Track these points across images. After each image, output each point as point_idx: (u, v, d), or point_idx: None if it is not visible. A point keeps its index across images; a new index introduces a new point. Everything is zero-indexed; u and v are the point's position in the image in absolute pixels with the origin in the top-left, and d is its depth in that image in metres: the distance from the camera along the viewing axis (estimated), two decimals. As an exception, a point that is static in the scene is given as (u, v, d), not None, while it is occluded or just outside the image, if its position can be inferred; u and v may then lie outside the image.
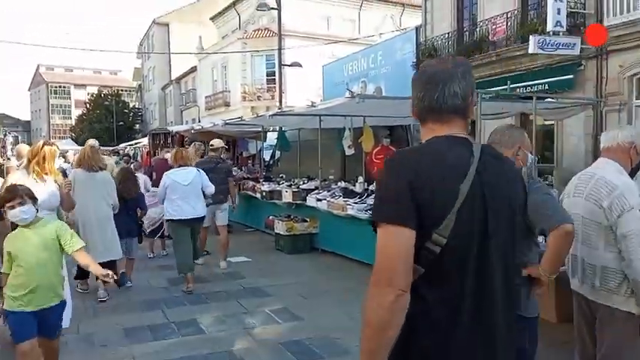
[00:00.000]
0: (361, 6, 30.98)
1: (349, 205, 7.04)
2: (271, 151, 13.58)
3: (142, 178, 9.66)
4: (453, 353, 1.42)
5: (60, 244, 3.22)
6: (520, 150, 2.51)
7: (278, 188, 9.06)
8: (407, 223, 1.35)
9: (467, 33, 14.70)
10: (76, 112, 65.15)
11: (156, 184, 8.17)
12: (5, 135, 19.20)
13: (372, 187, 8.15)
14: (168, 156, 10.58)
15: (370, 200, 7.27)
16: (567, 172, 11.36)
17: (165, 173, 6.46)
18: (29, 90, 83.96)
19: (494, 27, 12.98)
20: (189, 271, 6.11)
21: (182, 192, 6.14)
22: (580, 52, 10.97)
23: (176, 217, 6.16)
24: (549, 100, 8.19)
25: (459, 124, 1.52)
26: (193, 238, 6.36)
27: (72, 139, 50.18)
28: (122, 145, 33.46)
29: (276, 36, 20.86)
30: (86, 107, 53.98)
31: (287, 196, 8.51)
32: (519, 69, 12.50)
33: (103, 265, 4.17)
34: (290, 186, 8.99)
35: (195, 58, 34.62)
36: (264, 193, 9.16)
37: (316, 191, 8.19)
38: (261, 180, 10.31)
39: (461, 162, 1.44)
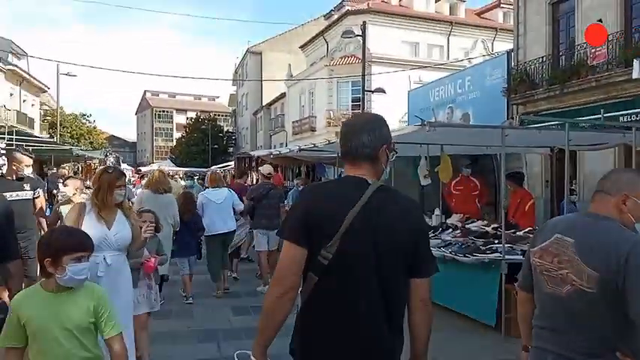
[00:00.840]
0: (450, 31, 30.35)
1: (421, 240, 6.60)
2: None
3: None
4: (314, 349, 1.86)
5: (95, 322, 2.31)
6: (629, 199, 1.92)
7: (350, 217, 8.81)
8: (298, 241, 1.79)
9: (563, 57, 13.71)
10: (176, 135, 69.54)
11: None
12: (106, 156, 20.64)
13: (450, 221, 7.63)
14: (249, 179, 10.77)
15: (446, 236, 6.79)
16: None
17: (200, 192, 7.68)
18: (136, 114, 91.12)
19: (593, 50, 11.96)
20: (219, 280, 7.11)
21: (215, 209, 7.02)
22: (694, 77, 9.76)
23: (209, 233, 6.99)
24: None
25: (366, 168, 1.89)
26: (224, 249, 7.27)
27: (171, 160, 53.46)
28: (213, 168, 34.95)
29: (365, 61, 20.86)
30: (185, 131, 57.37)
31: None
32: (622, 96, 11.37)
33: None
34: (362, 216, 8.72)
35: (285, 84, 35.66)
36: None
37: (388, 223, 7.83)
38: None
39: (352, 198, 1.79)
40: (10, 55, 31.43)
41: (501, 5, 32.43)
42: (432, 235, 6.75)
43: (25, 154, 5.34)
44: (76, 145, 43.73)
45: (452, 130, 6.67)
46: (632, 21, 11.77)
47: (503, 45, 26.81)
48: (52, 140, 17.82)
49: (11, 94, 31.81)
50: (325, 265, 1.77)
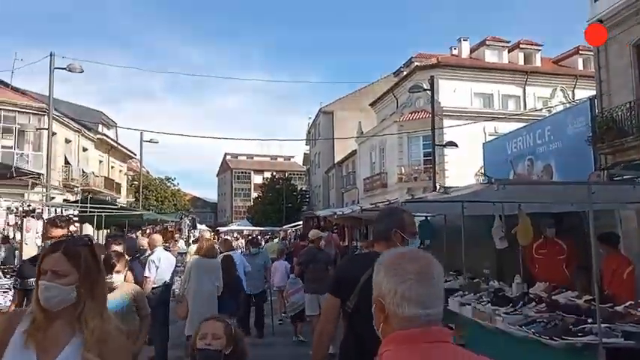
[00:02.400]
0: (526, 81, 29.24)
1: (499, 315, 5.71)
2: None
3: (283, 265, 9.88)
4: None
5: None
6: None
7: (418, 285, 7.99)
8: (333, 292, 2.85)
9: (654, 101, 12.42)
10: (254, 195, 71.41)
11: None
12: (181, 218, 21.16)
13: (533, 291, 6.66)
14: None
15: (529, 310, 5.83)
16: None
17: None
18: (217, 175, 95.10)
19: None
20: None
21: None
22: None
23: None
24: None
25: (382, 245, 2.87)
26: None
27: (248, 220, 54.61)
28: (286, 227, 35.07)
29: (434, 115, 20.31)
30: (261, 191, 58.77)
31: (427, 296, 7.41)
32: None
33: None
34: (431, 283, 7.86)
35: (355, 142, 35.68)
36: (403, 290, 8.15)
37: (460, 292, 6.94)
38: (402, 273, 9.32)
39: (367, 267, 2.25)
40: (100, 125, 33.99)
41: (580, 52, 31.01)
42: (512, 309, 5.84)
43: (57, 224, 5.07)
44: (161, 207, 46.00)
45: (530, 186, 5.88)
46: None
47: (584, 92, 25.29)
48: (123, 206, 18.48)
49: (100, 162, 34.14)
50: (349, 313, 2.59)
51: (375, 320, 1.53)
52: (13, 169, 8.94)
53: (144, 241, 8.06)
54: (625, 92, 13.19)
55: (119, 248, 5.12)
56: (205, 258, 6.75)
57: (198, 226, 34.91)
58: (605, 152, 13.46)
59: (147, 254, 7.46)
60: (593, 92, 15.47)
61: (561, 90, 28.13)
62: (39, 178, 11.53)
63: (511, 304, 5.95)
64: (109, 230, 21.35)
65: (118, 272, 3.93)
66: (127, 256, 5.47)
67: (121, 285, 4.01)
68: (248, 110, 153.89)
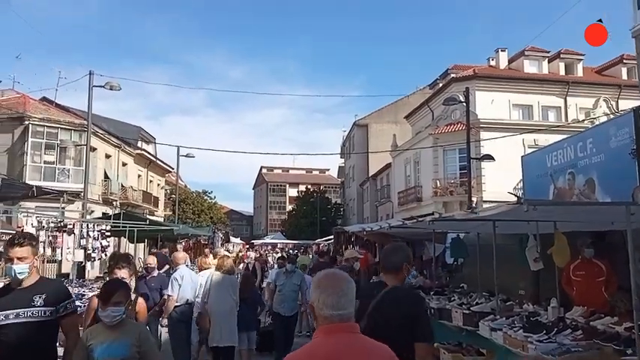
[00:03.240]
0: (567, 91, 28.30)
1: (531, 342, 5.34)
2: (448, 252, 12.12)
3: (308, 280, 9.66)
4: None
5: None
6: None
7: (448, 306, 7.63)
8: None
9: None
10: (289, 208, 71.70)
11: None
12: (214, 232, 21.29)
13: (570, 315, 6.25)
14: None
15: (564, 338, 5.45)
16: None
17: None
18: (253, 188, 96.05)
19: None
20: None
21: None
22: None
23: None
24: None
25: (391, 275, 3.33)
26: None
27: (282, 233, 54.73)
28: (319, 240, 34.87)
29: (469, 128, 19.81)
30: (295, 204, 58.88)
31: (457, 318, 7.06)
32: None
33: (222, 348, 6.59)
34: (462, 305, 7.48)
35: (390, 155, 35.31)
36: (432, 311, 7.81)
37: (492, 316, 6.58)
38: (431, 293, 8.96)
39: (376, 293, 3.21)
40: (139, 140, 34.87)
41: (624, 61, 29.84)
42: (545, 336, 5.47)
43: None
44: (197, 220, 46.67)
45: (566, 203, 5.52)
46: None
47: (629, 103, 24.23)
48: (155, 220, 18.74)
49: (139, 176, 34.95)
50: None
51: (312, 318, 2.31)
52: (34, 188, 9.11)
53: (180, 255, 7.94)
54: (672, 102, 12.47)
55: (123, 273, 4.74)
56: (225, 274, 6.99)
57: (232, 239, 35.24)
58: (652, 166, 12.69)
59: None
60: (639, 102, 14.73)
61: (604, 100, 27.04)
62: (63, 195, 11.75)
63: (545, 331, 5.57)
64: (144, 242, 21.80)
65: (117, 304, 3.35)
66: (131, 279, 5.42)
67: (124, 322, 3.43)
68: (285, 123, 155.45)
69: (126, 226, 12.56)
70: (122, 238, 18.62)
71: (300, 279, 8.79)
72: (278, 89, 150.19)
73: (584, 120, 25.32)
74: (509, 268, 8.44)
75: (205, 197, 53.63)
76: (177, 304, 7.05)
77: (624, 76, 29.78)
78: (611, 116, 23.70)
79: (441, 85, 32.15)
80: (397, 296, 3.14)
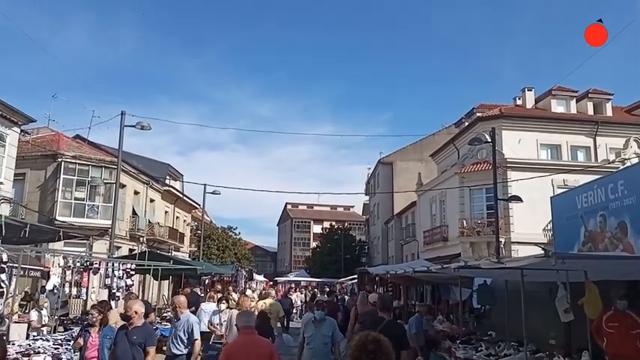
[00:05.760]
0: (596, 131, 27.86)
1: (562, 400, 5.10)
2: (476, 297, 11.79)
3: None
4: None
5: None
6: None
7: (474, 357, 7.37)
8: None
9: None
10: (313, 245, 71.37)
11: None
12: (237, 270, 21.27)
13: (602, 370, 5.97)
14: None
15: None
16: None
17: None
18: (278, 225, 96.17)
19: None
20: None
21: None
22: None
23: None
24: None
25: (386, 312, 6.07)
26: None
27: (305, 271, 54.30)
28: (342, 279, 34.49)
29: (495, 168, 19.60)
30: (320, 241, 58.60)
31: (483, 370, 6.81)
32: None
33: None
34: (489, 355, 7.22)
35: (415, 193, 35.06)
36: (458, 361, 7.56)
37: (519, 369, 6.33)
38: (457, 341, 8.68)
39: (379, 323, 5.64)
40: (168, 177, 35.53)
41: (655, 99, 29.35)
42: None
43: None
44: (222, 256, 46.79)
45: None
46: None
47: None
48: (179, 259, 18.87)
49: (166, 212, 35.46)
50: None
51: None
52: (61, 233, 9.33)
53: (182, 299, 7.85)
54: None
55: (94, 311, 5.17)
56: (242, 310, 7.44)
57: (256, 276, 35.09)
58: (687, 210, 12.28)
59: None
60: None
61: (635, 140, 26.47)
62: (89, 238, 11.98)
63: (577, 388, 5.32)
64: (169, 280, 21.91)
65: None
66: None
67: None
68: (311, 159, 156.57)
69: (150, 265, 12.66)
70: (147, 275, 18.78)
71: (332, 329, 7.21)
72: (304, 125, 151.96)
73: (614, 160, 24.79)
74: (539, 316, 8.16)
75: (230, 233, 53.91)
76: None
77: (655, 115, 29.24)
78: (643, 157, 23.19)
79: (466, 123, 32.05)
80: (391, 325, 5.73)
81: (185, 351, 7.04)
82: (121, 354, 5.61)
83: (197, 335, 7.06)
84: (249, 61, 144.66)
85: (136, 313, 5.75)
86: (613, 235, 15.81)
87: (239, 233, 56.26)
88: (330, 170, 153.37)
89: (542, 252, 5.38)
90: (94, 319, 6.30)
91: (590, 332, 6.85)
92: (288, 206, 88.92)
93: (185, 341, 7.08)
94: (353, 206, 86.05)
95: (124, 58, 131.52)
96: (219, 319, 9.60)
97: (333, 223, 62.94)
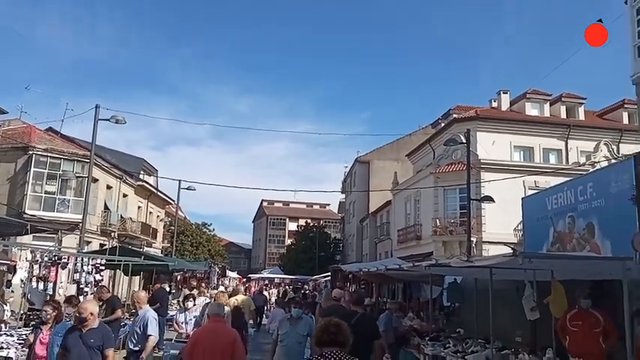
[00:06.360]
0: (568, 134, 28.48)
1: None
2: (446, 295, 11.97)
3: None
4: None
5: None
6: None
7: (442, 354, 7.48)
8: None
9: (703, 159, 11.67)
10: (288, 242, 71.29)
11: None
12: (210, 267, 21.12)
13: (565, 367, 6.11)
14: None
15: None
16: None
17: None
18: (253, 221, 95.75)
19: None
20: None
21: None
22: None
23: None
24: None
25: (359, 307, 6.83)
26: None
27: (280, 268, 54.22)
28: (316, 276, 34.55)
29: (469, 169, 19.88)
30: (294, 238, 58.58)
31: (451, 367, 6.91)
32: None
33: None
34: (457, 352, 7.33)
35: (391, 192, 35.32)
36: (426, 358, 7.65)
37: (485, 366, 6.44)
38: (427, 338, 8.79)
39: (352, 316, 6.29)
40: (142, 172, 35.02)
41: (625, 105, 30.14)
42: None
43: None
44: (195, 253, 46.37)
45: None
46: None
47: (630, 147, 24.38)
48: (150, 255, 18.62)
49: (139, 207, 34.95)
50: None
51: None
52: (29, 226, 9.13)
53: (142, 295, 7.89)
54: (671, 150, 12.50)
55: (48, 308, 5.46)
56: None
57: (229, 273, 34.86)
58: (651, 212, 12.64)
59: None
60: (639, 147, 14.77)
61: (605, 144, 27.18)
62: (58, 232, 11.76)
63: (540, 384, 5.44)
64: (140, 275, 21.61)
65: None
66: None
67: None
68: (288, 156, 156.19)
69: (121, 261, 12.47)
70: (117, 270, 18.49)
71: (307, 328, 6.90)
72: (283, 123, 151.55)
73: (584, 163, 25.40)
74: (507, 314, 8.32)
75: (204, 229, 53.46)
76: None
77: (625, 121, 30.00)
78: (612, 160, 23.79)
79: (442, 124, 32.41)
80: (365, 318, 6.40)
81: (139, 347, 6.93)
82: (76, 359, 5.22)
83: (152, 332, 6.93)
84: (232, 58, 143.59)
85: (91, 314, 5.36)
86: (581, 236, 16.21)
87: (213, 230, 55.91)
88: (307, 168, 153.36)
89: (511, 251, 5.47)
90: (48, 316, 6.10)
91: (555, 330, 7.01)
92: (264, 203, 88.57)
93: (141, 337, 6.97)
94: (329, 204, 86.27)
95: (102, 51, 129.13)
96: (185, 318, 9.37)
97: (309, 220, 62.95)
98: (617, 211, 14.12)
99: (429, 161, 31.20)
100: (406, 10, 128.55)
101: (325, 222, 66.92)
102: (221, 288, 14.97)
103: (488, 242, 24.34)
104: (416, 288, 13.15)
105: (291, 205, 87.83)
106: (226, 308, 8.66)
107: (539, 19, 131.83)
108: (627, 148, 25.50)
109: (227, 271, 33.56)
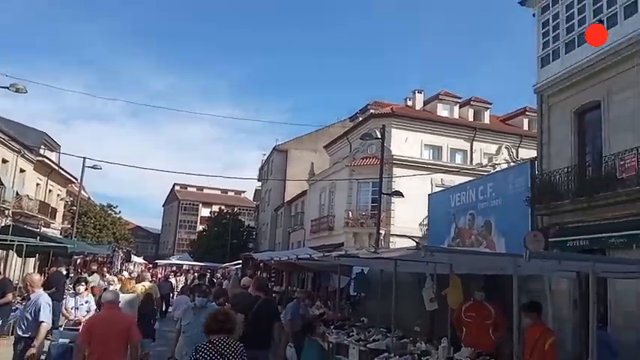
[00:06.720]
0: (474, 136, 30.19)
1: (420, 382, 5.47)
2: (353, 285, 12.31)
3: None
4: None
5: None
6: None
7: (346, 342, 7.67)
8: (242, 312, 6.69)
9: (590, 168, 12.87)
10: (200, 228, 69.71)
11: None
12: (115, 251, 20.14)
13: (458, 356, 6.48)
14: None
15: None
16: None
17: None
18: (163, 205, 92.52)
19: (622, 163, 11.12)
20: None
21: None
22: None
23: None
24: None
25: (262, 293, 7.02)
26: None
27: (189, 254, 52.90)
28: (227, 264, 34.15)
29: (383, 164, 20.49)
30: (207, 224, 57.38)
31: (353, 355, 7.10)
32: (657, 211, 10.33)
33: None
34: (359, 340, 7.55)
35: (307, 183, 35.60)
36: (330, 345, 7.81)
37: (386, 354, 6.68)
38: (332, 326, 8.97)
39: (255, 301, 6.78)
40: (42, 147, 32.50)
41: (526, 113, 32.45)
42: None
43: None
44: (99, 236, 43.97)
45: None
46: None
47: (528, 152, 26.32)
48: (47, 236, 17.42)
49: (38, 184, 32.46)
50: (250, 319, 6.09)
51: None
52: None
53: (36, 277, 7.32)
54: (564, 157, 13.60)
55: None
56: (126, 293, 8.64)
57: (134, 258, 33.47)
58: (542, 213, 13.76)
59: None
60: (536, 152, 15.95)
61: (506, 148, 29.17)
62: None
63: (434, 372, 5.73)
64: (35, 257, 20.14)
65: None
66: None
67: None
68: (206, 141, 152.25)
69: (14, 241, 11.50)
70: (10, 251, 17.10)
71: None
72: (203, 105, 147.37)
73: (486, 165, 27.10)
74: (408, 304, 8.68)
75: (110, 211, 50.83)
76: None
77: (525, 127, 32.28)
78: (512, 163, 25.60)
79: (360, 119, 33.11)
80: (267, 302, 6.72)
81: (29, 334, 6.44)
82: None
83: (44, 318, 6.46)
84: (150, 32, 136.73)
85: None
86: (479, 233, 17.34)
87: (120, 212, 53.32)
88: (225, 153, 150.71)
89: (415, 245, 5.69)
90: None
91: (451, 321, 7.43)
92: (177, 187, 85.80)
93: (31, 323, 6.49)
94: (245, 191, 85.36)
95: (5, 16, 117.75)
96: (75, 303, 8.87)
97: (223, 207, 61.95)
98: (513, 211, 15.23)
99: (346, 154, 31.81)
100: (331, 2, 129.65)
101: (240, 209, 66.24)
102: (125, 273, 14.30)
103: (396, 235, 25.28)
104: (325, 277, 13.39)
105: (205, 191, 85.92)
106: (130, 295, 8.94)
107: (457, 22, 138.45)
108: (526, 153, 27.52)
109: (132, 256, 32.20)
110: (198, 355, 3.77)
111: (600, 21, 12.08)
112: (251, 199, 70.89)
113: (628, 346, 8.69)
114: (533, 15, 15.14)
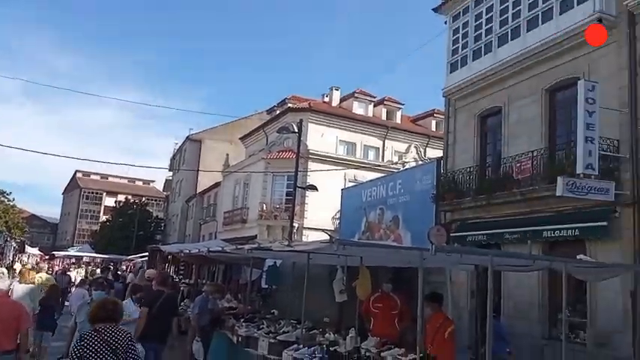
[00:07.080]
0: (386, 135, 31.23)
1: (328, 372, 5.57)
2: (265, 278, 12.29)
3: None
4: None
5: None
6: None
7: (255, 334, 7.63)
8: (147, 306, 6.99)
9: (490, 169, 13.81)
10: (103, 218, 66.05)
11: None
12: (6, 241, 18.53)
13: (365, 345, 6.67)
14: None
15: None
16: (603, 332, 9.57)
17: None
18: (63, 193, 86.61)
19: (518, 165, 12.04)
20: None
21: None
22: (614, 198, 9.77)
23: None
24: (583, 258, 6.83)
25: (167, 288, 7.35)
26: None
27: (90, 245, 49.99)
28: (132, 256, 32.68)
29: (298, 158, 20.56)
30: (111, 214, 54.52)
31: (262, 347, 7.08)
32: (546, 210, 11.29)
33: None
34: (269, 333, 7.54)
35: (221, 174, 34.93)
36: (239, 339, 7.73)
37: (295, 346, 6.73)
38: (242, 319, 8.87)
39: (160, 296, 7.05)
40: None
41: (435, 115, 34.06)
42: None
43: None
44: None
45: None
46: (557, 139, 12.03)
47: (436, 152, 27.67)
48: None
49: None
50: (154, 312, 6.32)
51: None
52: None
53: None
54: (467, 157, 14.47)
55: None
56: (25, 284, 8.75)
57: (28, 249, 30.96)
58: (445, 210, 14.55)
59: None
60: (442, 153, 16.82)
61: (415, 147, 30.51)
62: None
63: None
64: None
65: None
66: None
67: None
68: (112, 126, 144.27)
69: None
70: None
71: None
72: (108, 88, 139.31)
73: (397, 162, 28.18)
74: (319, 296, 8.81)
75: (2, 198, 46.72)
76: None
77: (433, 128, 33.93)
78: (419, 162, 26.84)
79: (277, 112, 33.03)
80: (169, 297, 6.87)
81: None
82: None
83: None
84: (52, 5, 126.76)
85: None
86: (387, 227, 18.01)
87: (13, 199, 49.17)
88: (135, 140, 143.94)
89: (328, 238, 5.78)
90: None
91: (359, 312, 7.64)
92: (78, 174, 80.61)
93: None
94: (154, 181, 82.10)
95: None
96: None
97: (130, 196, 59.12)
98: (419, 207, 15.99)
99: (262, 146, 31.59)
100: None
101: (148, 199, 63.57)
102: (17, 265, 13.17)
103: (310, 228, 25.55)
104: (237, 270, 13.23)
105: (110, 179, 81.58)
106: (29, 286, 8.91)
107: (375, 24, 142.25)
108: (432, 153, 28.95)
109: (27, 246, 29.79)
110: (83, 343, 3.67)
111: (507, 32, 12.96)
112: (160, 189, 68.31)
113: (519, 335, 9.47)
114: (445, 22, 15.89)
